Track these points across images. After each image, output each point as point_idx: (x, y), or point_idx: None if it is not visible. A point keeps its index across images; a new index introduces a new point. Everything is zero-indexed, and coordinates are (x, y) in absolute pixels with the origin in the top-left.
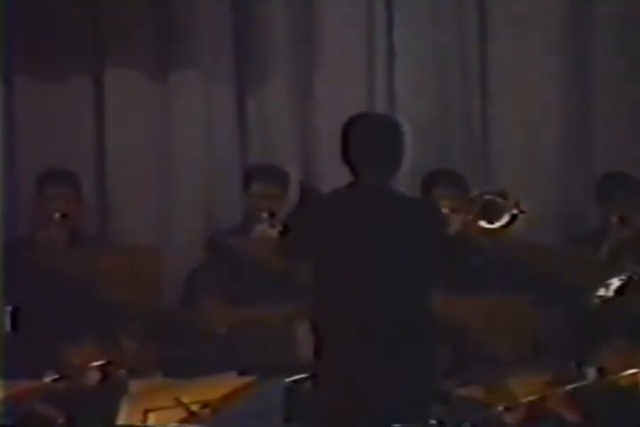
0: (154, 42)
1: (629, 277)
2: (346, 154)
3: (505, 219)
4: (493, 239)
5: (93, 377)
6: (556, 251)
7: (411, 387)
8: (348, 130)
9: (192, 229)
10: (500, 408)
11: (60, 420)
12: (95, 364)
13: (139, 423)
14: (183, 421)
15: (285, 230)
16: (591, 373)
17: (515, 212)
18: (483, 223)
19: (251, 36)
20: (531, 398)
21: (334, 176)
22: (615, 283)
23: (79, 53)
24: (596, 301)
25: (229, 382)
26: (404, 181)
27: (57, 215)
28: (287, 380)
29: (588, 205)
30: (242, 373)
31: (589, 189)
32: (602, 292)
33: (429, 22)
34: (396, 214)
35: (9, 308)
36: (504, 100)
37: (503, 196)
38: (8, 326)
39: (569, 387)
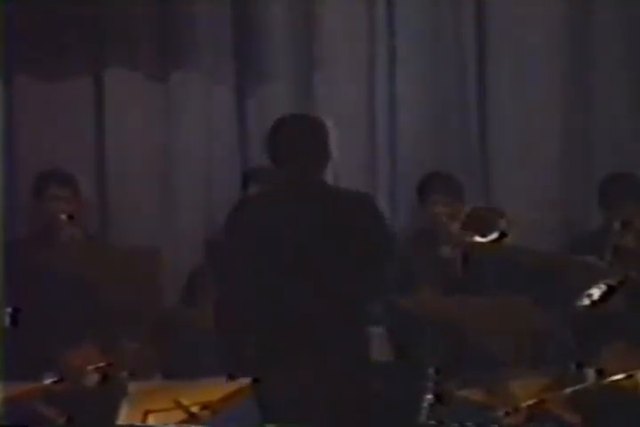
0: (154, 42)
1: (608, 286)
2: (273, 153)
3: (494, 235)
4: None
5: (93, 379)
6: (556, 254)
7: (346, 387)
8: (275, 132)
9: (192, 229)
10: (501, 412)
11: (60, 421)
12: (95, 365)
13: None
14: (183, 422)
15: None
16: (591, 374)
17: (505, 230)
18: (476, 237)
19: (251, 36)
20: (530, 401)
21: (334, 176)
22: (595, 292)
23: (79, 53)
24: (583, 310)
25: (229, 383)
26: (404, 182)
27: (63, 217)
28: None
29: (589, 207)
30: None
31: (591, 190)
32: (585, 302)
33: (429, 22)
34: (332, 210)
35: (9, 308)
36: (503, 101)
37: (498, 213)
38: (8, 327)
39: (569, 389)
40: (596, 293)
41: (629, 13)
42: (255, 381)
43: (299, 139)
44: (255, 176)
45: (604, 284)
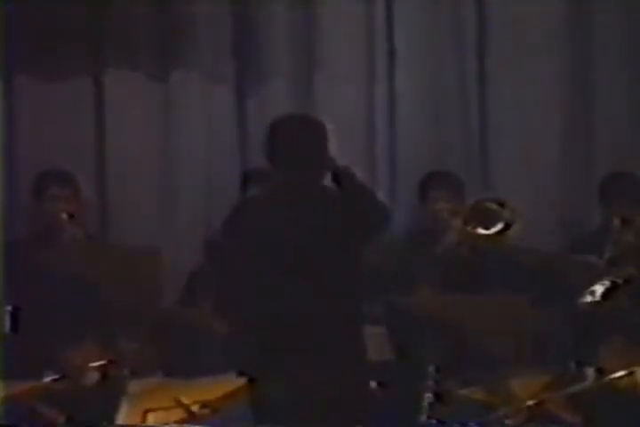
0: (154, 42)
1: (612, 282)
2: (271, 155)
3: (499, 226)
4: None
5: (93, 377)
6: (556, 253)
7: (343, 385)
8: (272, 133)
9: (192, 229)
10: (501, 413)
11: (60, 420)
12: (95, 364)
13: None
14: (183, 421)
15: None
16: (590, 373)
17: (509, 220)
18: (479, 229)
19: (251, 36)
20: (531, 401)
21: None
22: (599, 289)
23: (79, 53)
24: (584, 306)
25: (229, 382)
26: (404, 182)
27: (64, 216)
28: None
29: (589, 207)
30: (241, 373)
31: (591, 190)
32: (588, 299)
33: (429, 22)
34: (331, 211)
35: (9, 308)
36: (504, 101)
37: (501, 204)
38: (8, 326)
39: (569, 390)
40: (599, 289)
41: (629, 13)
42: (251, 381)
43: (297, 141)
44: (255, 177)
45: (608, 280)
